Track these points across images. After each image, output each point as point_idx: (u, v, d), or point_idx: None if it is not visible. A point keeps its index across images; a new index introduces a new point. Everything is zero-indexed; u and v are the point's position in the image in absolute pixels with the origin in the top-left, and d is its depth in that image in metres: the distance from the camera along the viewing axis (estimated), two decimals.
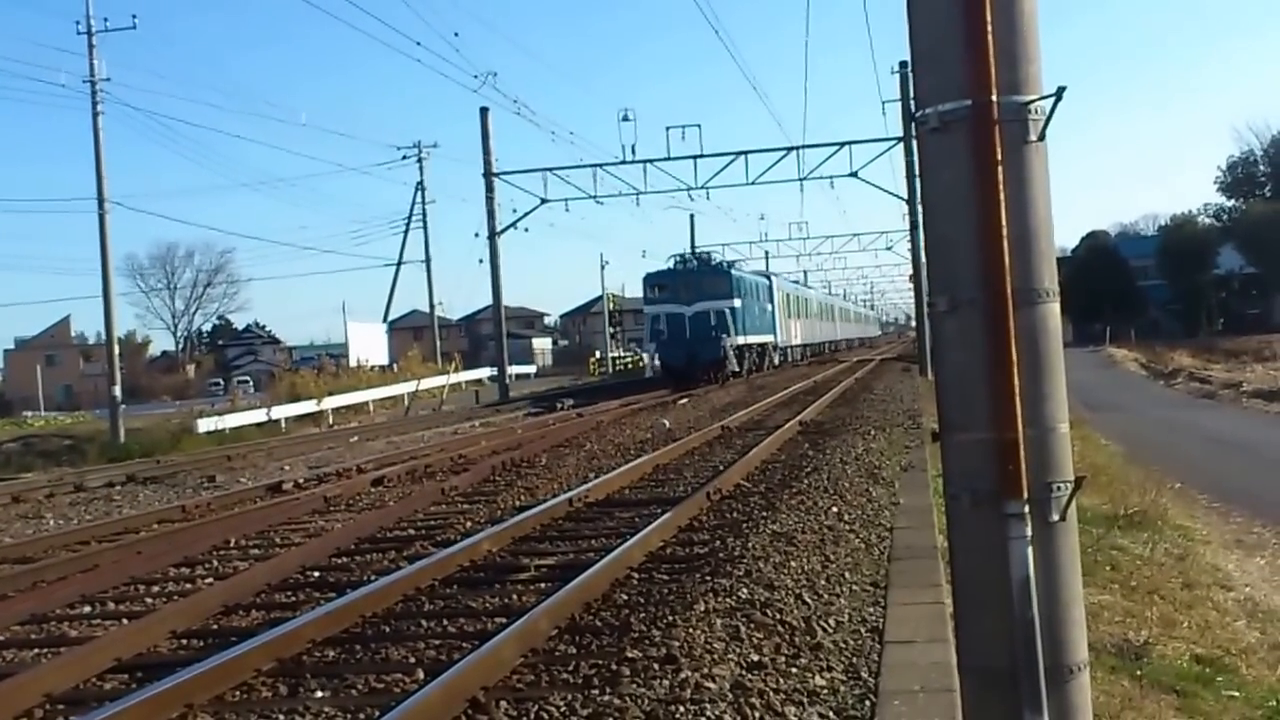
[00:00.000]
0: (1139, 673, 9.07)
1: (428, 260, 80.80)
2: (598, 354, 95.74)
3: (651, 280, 55.74)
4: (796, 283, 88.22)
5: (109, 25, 45.47)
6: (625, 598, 9.98)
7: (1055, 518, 4.63)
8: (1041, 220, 4.66)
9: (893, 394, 36.90)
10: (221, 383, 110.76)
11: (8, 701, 7.81)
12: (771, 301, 64.36)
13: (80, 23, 44.87)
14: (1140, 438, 29.81)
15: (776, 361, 64.84)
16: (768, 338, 62.21)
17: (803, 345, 77.50)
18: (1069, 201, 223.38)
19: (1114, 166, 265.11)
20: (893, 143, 55.73)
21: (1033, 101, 4.64)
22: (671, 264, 55.76)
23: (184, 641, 9.63)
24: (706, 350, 51.27)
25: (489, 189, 55.16)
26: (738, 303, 53.71)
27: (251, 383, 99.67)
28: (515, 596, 10.45)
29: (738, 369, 53.87)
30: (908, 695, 7.11)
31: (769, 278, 67.43)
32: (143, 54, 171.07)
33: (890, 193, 62.01)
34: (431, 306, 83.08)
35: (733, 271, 56.55)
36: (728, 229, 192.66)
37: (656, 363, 54.95)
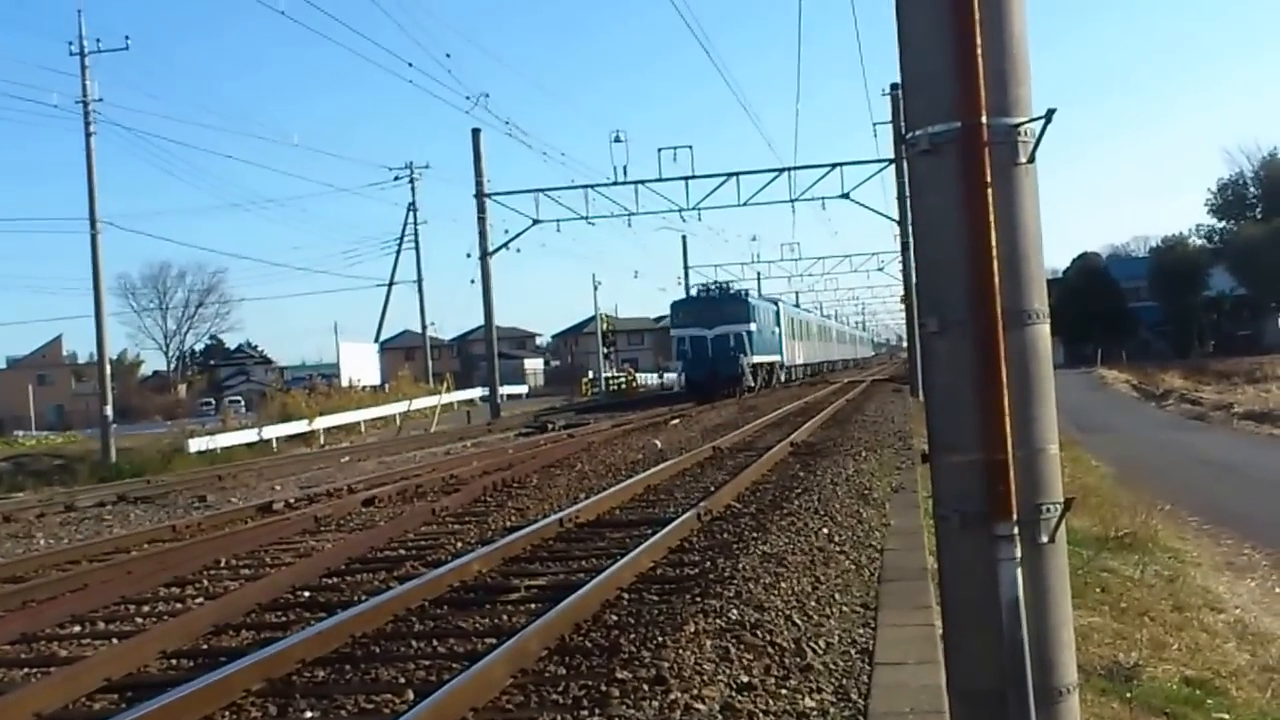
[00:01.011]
0: (1129, 695, 9.08)
1: (419, 280, 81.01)
2: (590, 374, 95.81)
3: (678, 306, 65.14)
4: (798, 307, 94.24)
5: (102, 46, 45.59)
6: (615, 618, 9.97)
7: (1045, 539, 4.64)
8: (1031, 242, 4.68)
9: (884, 415, 36.95)
10: (213, 402, 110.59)
11: None
12: (778, 325, 71.06)
13: (73, 43, 45.01)
14: (1131, 459, 29.83)
15: (782, 379, 71.69)
16: (776, 357, 69.11)
17: (804, 365, 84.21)
18: (1060, 223, 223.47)
19: (1105, 188, 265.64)
20: (884, 164, 55.89)
21: (1022, 124, 4.65)
22: (695, 292, 65.56)
23: (174, 661, 9.61)
24: (727, 368, 59.34)
25: (481, 210, 55.28)
26: (753, 326, 61.75)
27: (243, 403, 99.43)
28: (505, 617, 10.43)
29: (753, 384, 61.45)
30: (897, 717, 7.11)
31: (776, 303, 74.90)
32: (136, 75, 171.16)
33: (882, 214, 62.02)
34: (423, 327, 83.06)
35: (749, 299, 64.30)
36: (720, 250, 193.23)
37: (682, 378, 63.63)
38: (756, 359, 62.48)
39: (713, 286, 66.98)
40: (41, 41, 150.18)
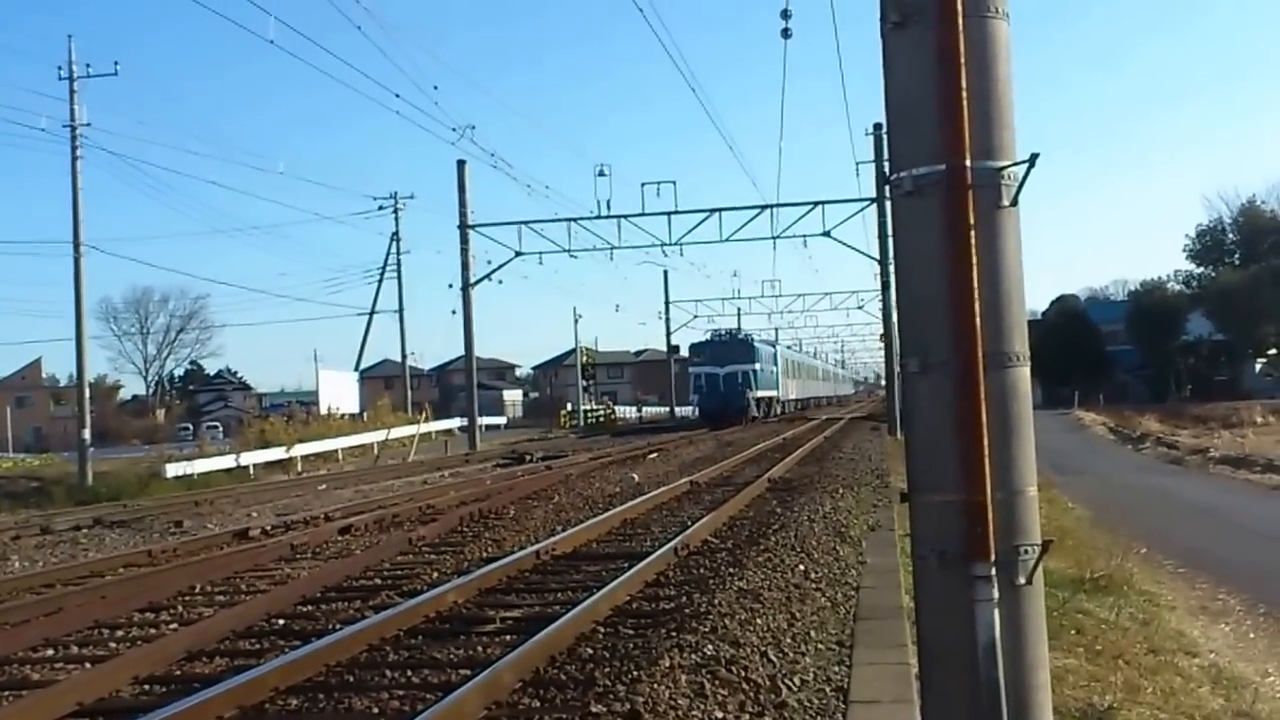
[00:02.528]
0: None
1: (401, 310, 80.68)
2: (569, 406, 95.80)
3: (694, 348, 78.94)
4: (790, 348, 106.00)
5: (91, 71, 45.59)
6: (590, 652, 9.95)
7: (1022, 580, 4.66)
8: (1013, 284, 4.71)
9: (861, 453, 36.96)
10: (191, 428, 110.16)
11: None
12: (776, 365, 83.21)
13: (63, 68, 45.00)
14: (1107, 502, 29.85)
15: (779, 411, 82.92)
16: (774, 392, 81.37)
17: (796, 399, 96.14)
18: (1039, 265, 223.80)
19: (1084, 231, 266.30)
20: (866, 203, 56.14)
21: (1006, 167, 4.69)
22: (710, 336, 78.31)
23: (147, 687, 9.57)
24: (735, 401, 71.47)
25: (464, 241, 55.34)
26: (758, 366, 74.04)
27: (221, 428, 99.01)
28: (480, 648, 10.41)
29: (756, 415, 73.18)
30: None
31: (774, 346, 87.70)
32: (124, 100, 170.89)
33: (863, 253, 62.31)
34: (403, 356, 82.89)
35: (754, 343, 76.91)
36: (701, 285, 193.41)
37: (697, 409, 75.31)
38: (759, 393, 74.96)
39: (723, 331, 79.84)
40: (31, 65, 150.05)
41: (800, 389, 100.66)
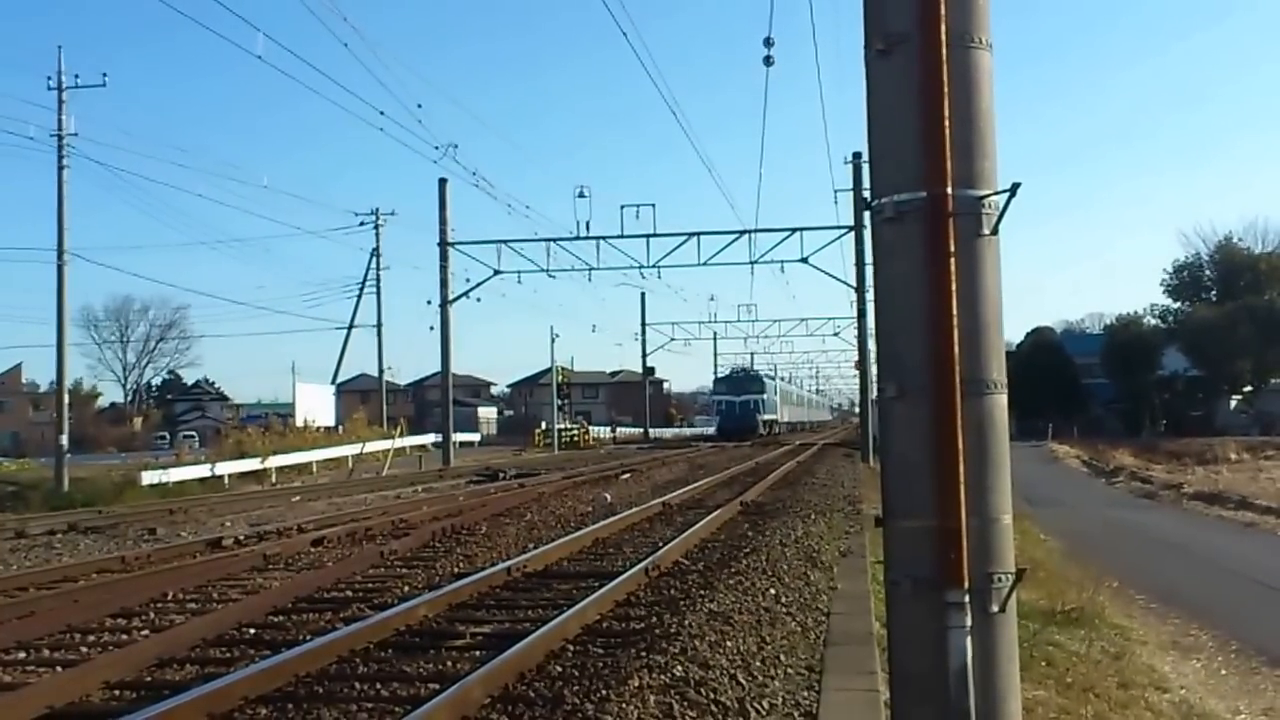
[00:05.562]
0: None
1: (379, 325, 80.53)
2: (543, 425, 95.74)
3: (717, 380, 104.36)
4: (783, 380, 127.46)
5: (80, 82, 45.76)
6: (559, 669, 9.94)
7: (995, 609, 4.67)
8: (992, 312, 4.73)
9: (834, 479, 36.93)
10: (168, 436, 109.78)
11: None
12: (777, 395, 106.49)
13: (51, 78, 45.13)
14: (1079, 534, 29.89)
15: (777, 431, 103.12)
16: (774, 416, 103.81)
17: (789, 422, 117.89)
18: (1016, 296, 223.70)
19: (1061, 264, 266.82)
20: (844, 231, 56.36)
21: (987, 196, 4.72)
22: (730, 372, 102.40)
23: (117, 692, 9.56)
24: (748, 422, 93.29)
25: (443, 258, 55.46)
26: (764, 395, 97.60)
27: (197, 438, 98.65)
28: (449, 663, 10.40)
29: (763, 433, 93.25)
30: None
31: (774, 379, 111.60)
32: (109, 110, 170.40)
33: (840, 280, 62.56)
34: (380, 371, 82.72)
35: (762, 378, 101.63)
36: (678, 308, 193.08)
37: (717, 428, 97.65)
38: (765, 417, 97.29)
39: (740, 368, 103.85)
40: (21, 75, 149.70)
41: (792, 414, 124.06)
